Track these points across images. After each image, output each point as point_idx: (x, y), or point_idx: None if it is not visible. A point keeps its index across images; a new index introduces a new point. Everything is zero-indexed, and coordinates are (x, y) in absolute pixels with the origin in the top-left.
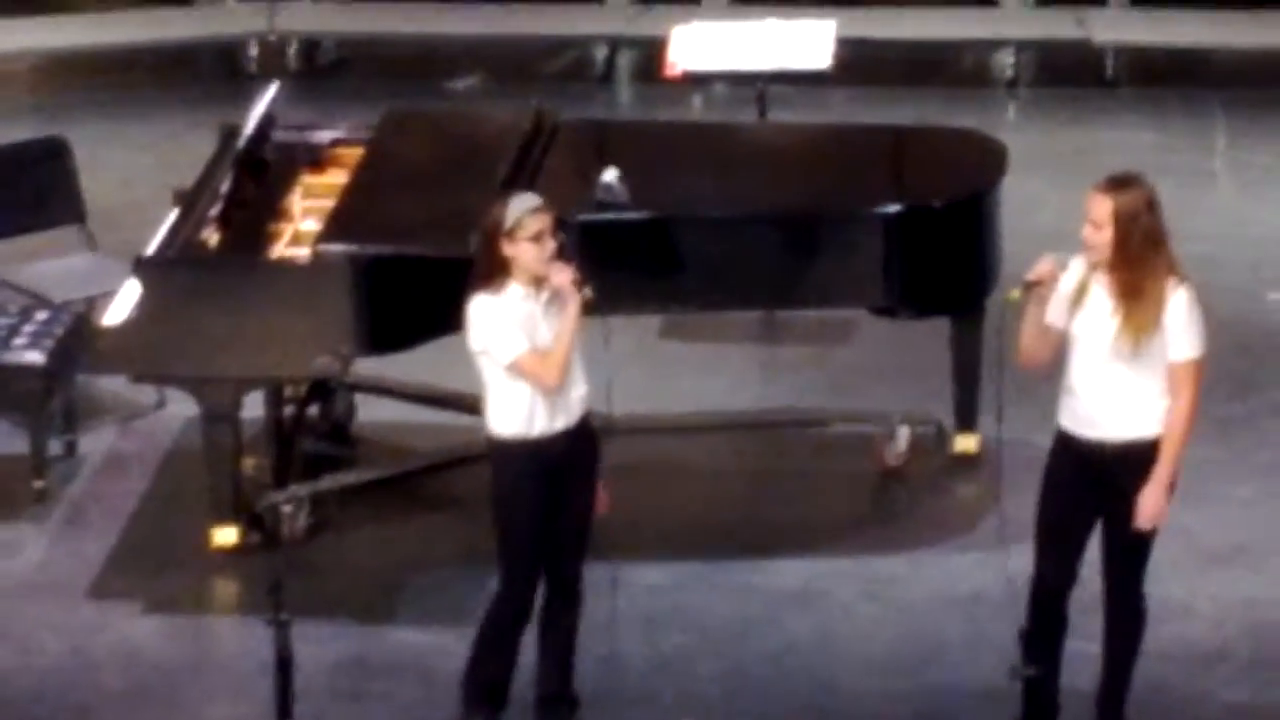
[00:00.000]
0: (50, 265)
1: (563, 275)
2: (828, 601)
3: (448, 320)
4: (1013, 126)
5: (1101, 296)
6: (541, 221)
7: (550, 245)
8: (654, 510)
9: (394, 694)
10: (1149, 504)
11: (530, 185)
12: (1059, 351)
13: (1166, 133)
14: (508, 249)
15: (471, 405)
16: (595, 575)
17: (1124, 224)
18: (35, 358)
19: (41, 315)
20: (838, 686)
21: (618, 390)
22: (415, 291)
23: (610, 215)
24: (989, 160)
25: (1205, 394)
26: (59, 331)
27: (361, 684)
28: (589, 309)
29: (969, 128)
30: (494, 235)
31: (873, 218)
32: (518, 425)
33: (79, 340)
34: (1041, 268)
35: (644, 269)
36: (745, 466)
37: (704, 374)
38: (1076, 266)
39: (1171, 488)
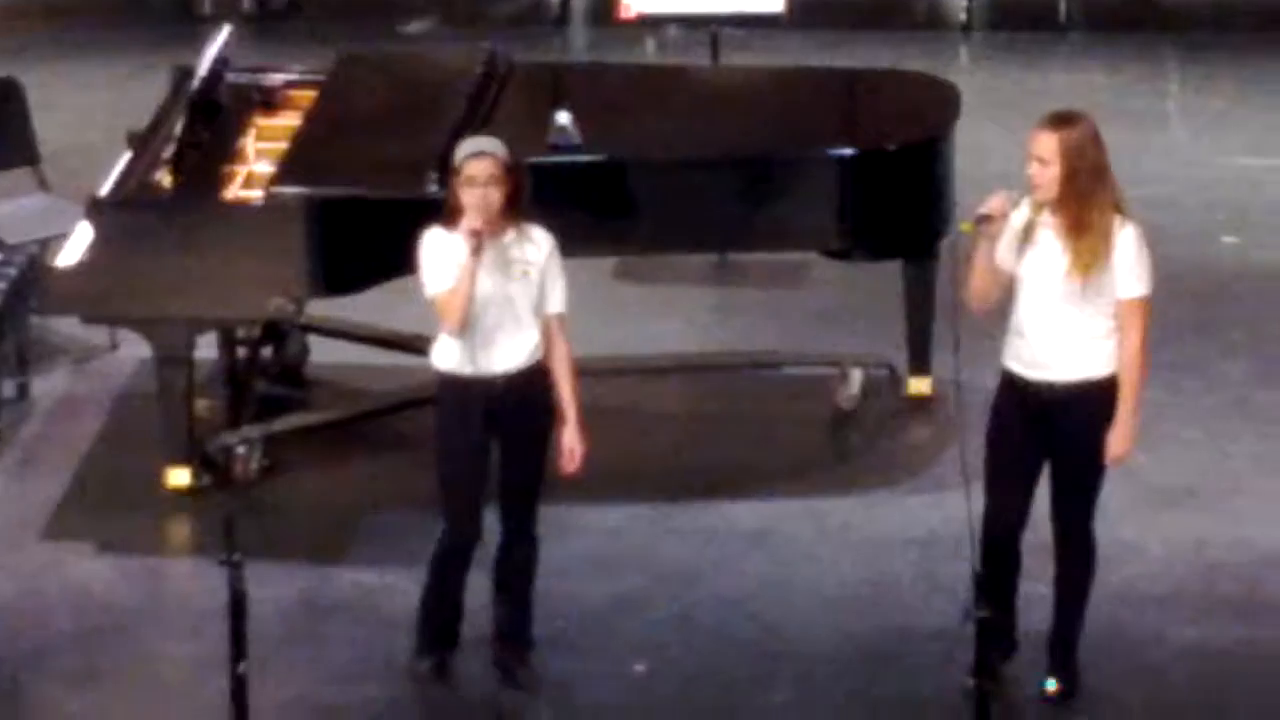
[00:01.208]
0: (2, 207)
1: (466, 222)
2: (782, 543)
3: (401, 262)
4: (966, 70)
5: (1049, 236)
6: (477, 167)
7: (485, 192)
8: (608, 453)
9: (346, 634)
10: (1116, 443)
11: (484, 128)
12: (1007, 293)
13: (1120, 76)
14: (455, 188)
15: (423, 347)
16: (549, 516)
17: (1070, 159)
18: None
19: None
20: (792, 628)
21: (571, 332)
22: (368, 233)
23: (563, 158)
24: (942, 104)
25: (1157, 336)
26: (11, 273)
27: (314, 624)
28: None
29: (922, 71)
30: (451, 173)
31: (826, 160)
32: (452, 361)
33: (31, 282)
34: (994, 202)
35: (597, 211)
36: (699, 409)
37: (657, 317)
38: (1025, 207)
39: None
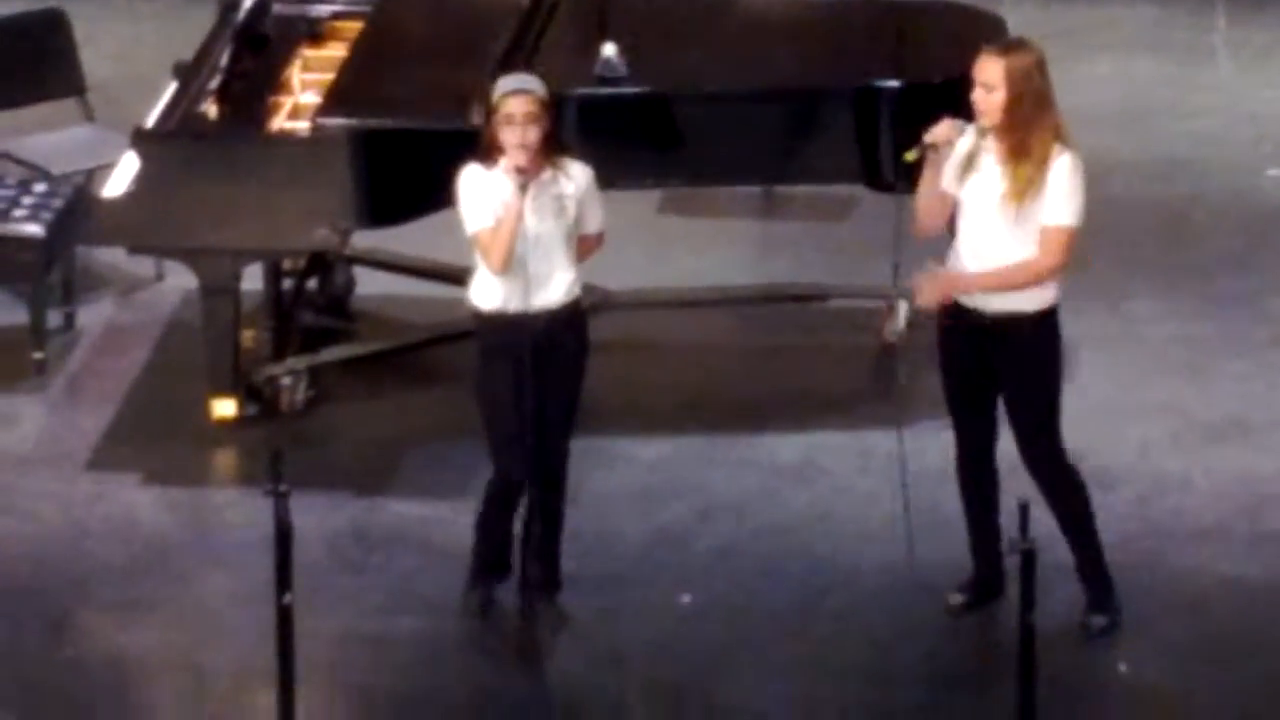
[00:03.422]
0: (49, 137)
1: (510, 161)
2: (825, 476)
3: (446, 194)
4: (1011, 2)
5: (990, 164)
6: (516, 104)
7: (525, 130)
8: (651, 386)
9: (392, 565)
10: (926, 285)
11: (530, 60)
12: (951, 221)
13: (1166, 8)
14: (493, 126)
15: (468, 280)
16: (592, 449)
17: (1016, 84)
18: (34, 230)
19: (40, 187)
20: (835, 561)
21: (616, 265)
22: (413, 165)
23: (609, 90)
24: (987, 36)
25: (1203, 272)
26: (58, 204)
27: (360, 555)
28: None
29: (967, 3)
30: (489, 110)
31: (872, 92)
32: (490, 300)
33: (78, 212)
34: (939, 130)
35: (643, 144)
36: (743, 342)
37: (702, 249)
38: (970, 135)
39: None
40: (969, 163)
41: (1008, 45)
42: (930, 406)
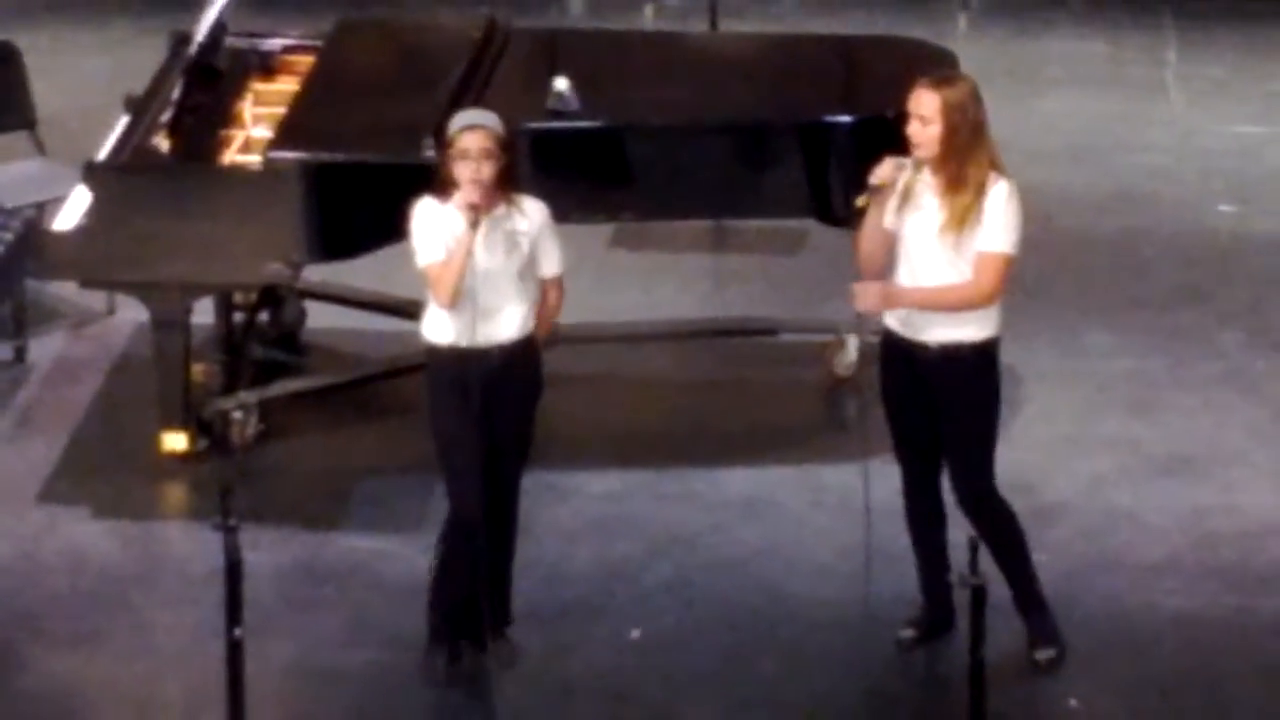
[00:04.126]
0: None
1: (463, 196)
2: (777, 511)
3: (397, 227)
4: (964, 37)
5: (928, 195)
6: (471, 140)
7: (479, 166)
8: (602, 419)
9: (343, 599)
10: (865, 293)
11: (482, 94)
12: (892, 253)
13: (1118, 44)
14: (449, 160)
15: (419, 313)
16: (543, 483)
17: (952, 116)
18: None
19: None
20: (786, 595)
21: (566, 299)
22: (365, 198)
23: (562, 124)
24: (940, 70)
25: (1154, 306)
26: (8, 237)
27: (311, 589)
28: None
29: (920, 38)
30: (444, 145)
31: (824, 128)
32: (445, 334)
33: (28, 246)
34: (883, 170)
35: (595, 178)
36: (694, 376)
37: (654, 283)
38: (907, 169)
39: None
40: (906, 196)
41: (942, 78)
42: (880, 440)
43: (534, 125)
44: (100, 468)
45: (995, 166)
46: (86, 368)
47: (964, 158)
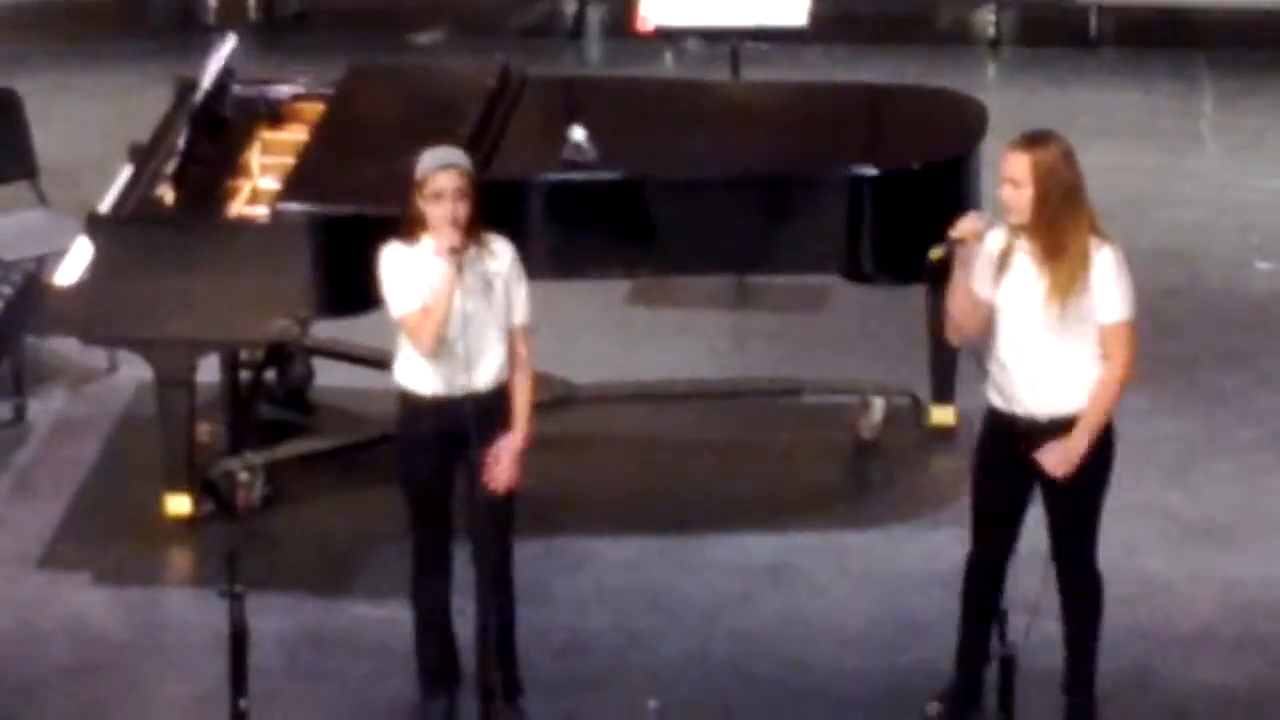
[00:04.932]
0: None
1: (442, 240)
2: (800, 578)
3: None
4: (994, 86)
5: (1025, 263)
6: (445, 180)
7: (455, 206)
8: (621, 483)
9: (350, 668)
10: (1055, 458)
11: (496, 144)
12: (989, 324)
13: (1151, 94)
14: (419, 202)
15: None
16: (559, 548)
17: (1043, 179)
18: None
19: None
20: (810, 665)
21: (582, 358)
22: (375, 253)
23: (578, 175)
24: (969, 121)
25: (1190, 368)
26: (7, 291)
27: (317, 658)
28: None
29: (948, 88)
30: (412, 187)
31: (848, 180)
32: (423, 382)
33: (28, 300)
34: (965, 224)
35: (612, 231)
36: (715, 438)
37: (672, 341)
38: (1000, 233)
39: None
40: (1002, 263)
41: (1033, 138)
42: (907, 506)
43: (549, 176)
44: (101, 532)
45: (1095, 230)
46: (87, 427)
47: (1060, 222)
